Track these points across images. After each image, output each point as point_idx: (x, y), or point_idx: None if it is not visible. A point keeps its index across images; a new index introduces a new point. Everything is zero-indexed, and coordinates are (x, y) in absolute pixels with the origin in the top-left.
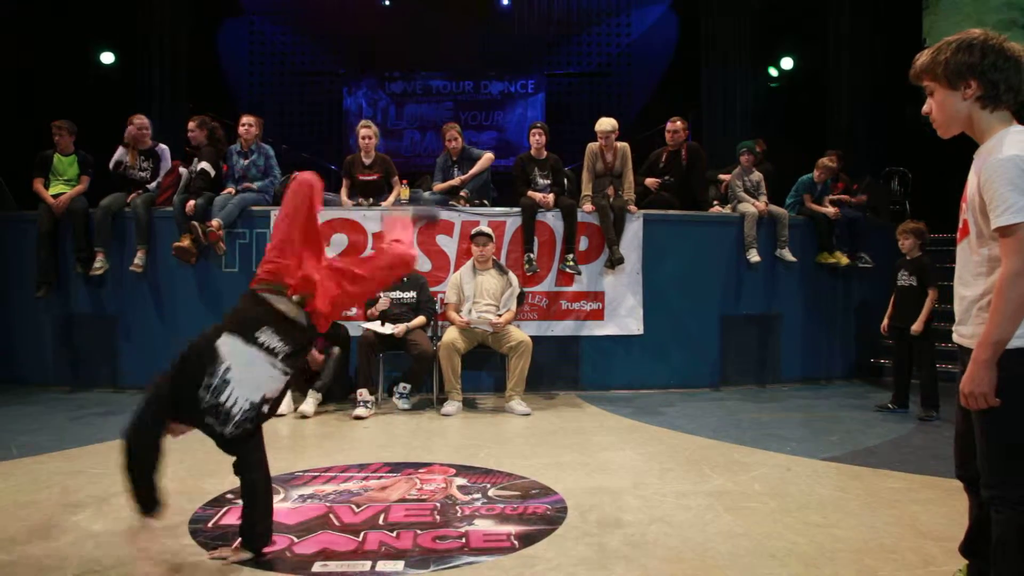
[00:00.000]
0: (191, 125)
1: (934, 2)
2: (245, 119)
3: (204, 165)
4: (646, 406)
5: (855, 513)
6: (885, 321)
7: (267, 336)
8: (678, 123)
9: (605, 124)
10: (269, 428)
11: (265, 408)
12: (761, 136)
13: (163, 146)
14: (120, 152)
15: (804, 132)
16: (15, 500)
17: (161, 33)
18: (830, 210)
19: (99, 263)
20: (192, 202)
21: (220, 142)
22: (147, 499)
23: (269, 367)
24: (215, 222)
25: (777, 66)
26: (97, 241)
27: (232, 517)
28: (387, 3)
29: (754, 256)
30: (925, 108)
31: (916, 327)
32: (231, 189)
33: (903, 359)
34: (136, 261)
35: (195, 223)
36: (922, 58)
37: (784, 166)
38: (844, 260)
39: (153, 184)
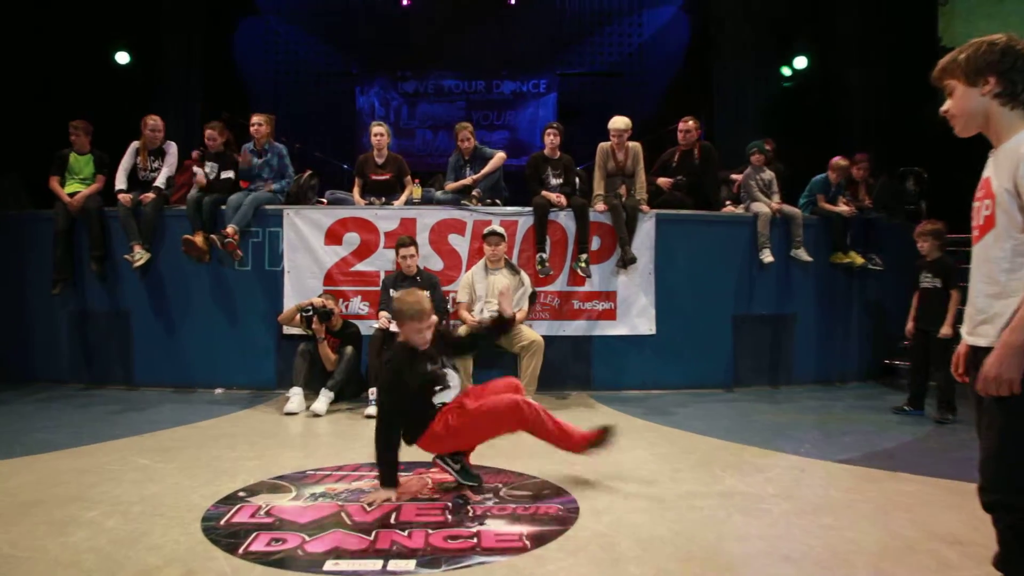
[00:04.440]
0: (210, 132)
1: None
2: (255, 118)
3: (229, 174)
4: (658, 406)
5: (870, 516)
6: (909, 324)
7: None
8: (690, 123)
9: (619, 123)
10: (281, 427)
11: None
12: (773, 136)
13: (170, 142)
14: (128, 155)
15: (817, 131)
16: (31, 496)
17: (176, 33)
18: (844, 209)
19: (139, 255)
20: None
21: (232, 145)
22: (390, 479)
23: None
24: (230, 228)
25: (790, 65)
26: (135, 236)
27: (244, 515)
28: (405, 3)
29: (767, 256)
30: (944, 107)
31: (946, 331)
32: (244, 183)
33: (922, 361)
34: (136, 256)
35: (213, 236)
36: (942, 62)
37: (797, 166)
38: (859, 260)
39: (161, 179)
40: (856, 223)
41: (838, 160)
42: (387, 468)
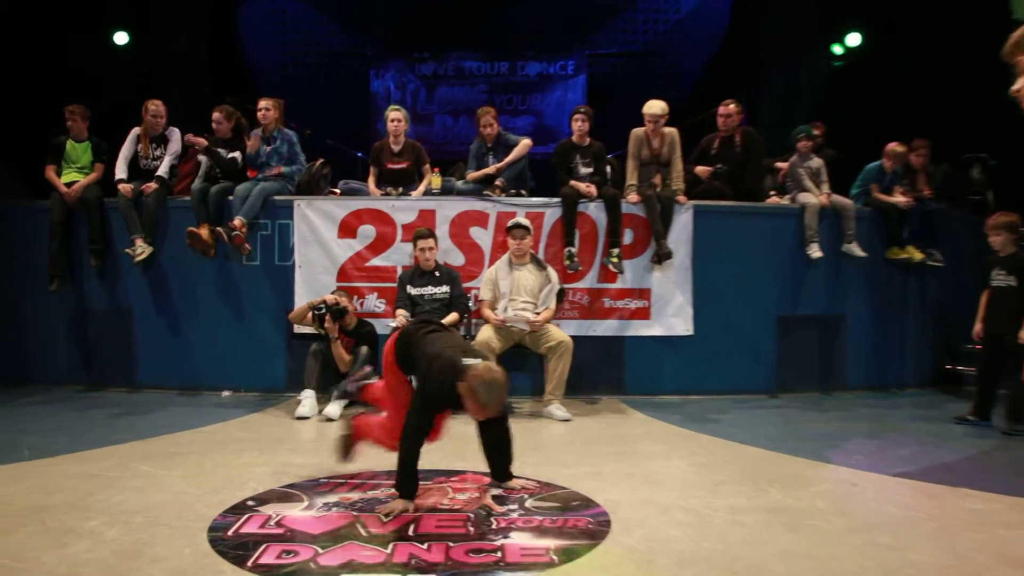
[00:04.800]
0: (217, 116)
1: None
2: (262, 103)
3: (236, 155)
4: (696, 413)
5: (931, 535)
6: (978, 325)
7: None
8: (731, 106)
9: (655, 107)
10: (292, 431)
11: None
12: (822, 120)
13: (173, 128)
14: (129, 142)
15: (871, 115)
16: (27, 504)
17: (178, 12)
18: (901, 200)
19: (140, 248)
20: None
21: (245, 130)
22: (410, 489)
23: None
24: (238, 221)
25: (842, 42)
26: (136, 229)
27: (253, 525)
28: None
29: (815, 251)
30: (1015, 87)
31: None
32: (253, 172)
33: (991, 367)
34: (137, 250)
35: (220, 228)
36: (1015, 35)
37: (849, 153)
38: (917, 255)
39: (164, 168)
40: (914, 215)
41: (894, 146)
42: (407, 478)
